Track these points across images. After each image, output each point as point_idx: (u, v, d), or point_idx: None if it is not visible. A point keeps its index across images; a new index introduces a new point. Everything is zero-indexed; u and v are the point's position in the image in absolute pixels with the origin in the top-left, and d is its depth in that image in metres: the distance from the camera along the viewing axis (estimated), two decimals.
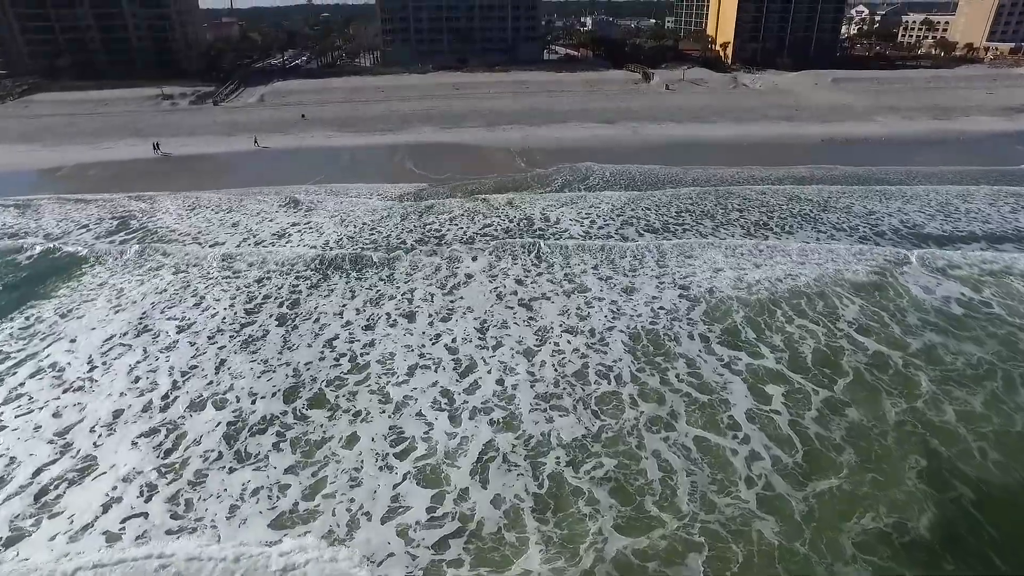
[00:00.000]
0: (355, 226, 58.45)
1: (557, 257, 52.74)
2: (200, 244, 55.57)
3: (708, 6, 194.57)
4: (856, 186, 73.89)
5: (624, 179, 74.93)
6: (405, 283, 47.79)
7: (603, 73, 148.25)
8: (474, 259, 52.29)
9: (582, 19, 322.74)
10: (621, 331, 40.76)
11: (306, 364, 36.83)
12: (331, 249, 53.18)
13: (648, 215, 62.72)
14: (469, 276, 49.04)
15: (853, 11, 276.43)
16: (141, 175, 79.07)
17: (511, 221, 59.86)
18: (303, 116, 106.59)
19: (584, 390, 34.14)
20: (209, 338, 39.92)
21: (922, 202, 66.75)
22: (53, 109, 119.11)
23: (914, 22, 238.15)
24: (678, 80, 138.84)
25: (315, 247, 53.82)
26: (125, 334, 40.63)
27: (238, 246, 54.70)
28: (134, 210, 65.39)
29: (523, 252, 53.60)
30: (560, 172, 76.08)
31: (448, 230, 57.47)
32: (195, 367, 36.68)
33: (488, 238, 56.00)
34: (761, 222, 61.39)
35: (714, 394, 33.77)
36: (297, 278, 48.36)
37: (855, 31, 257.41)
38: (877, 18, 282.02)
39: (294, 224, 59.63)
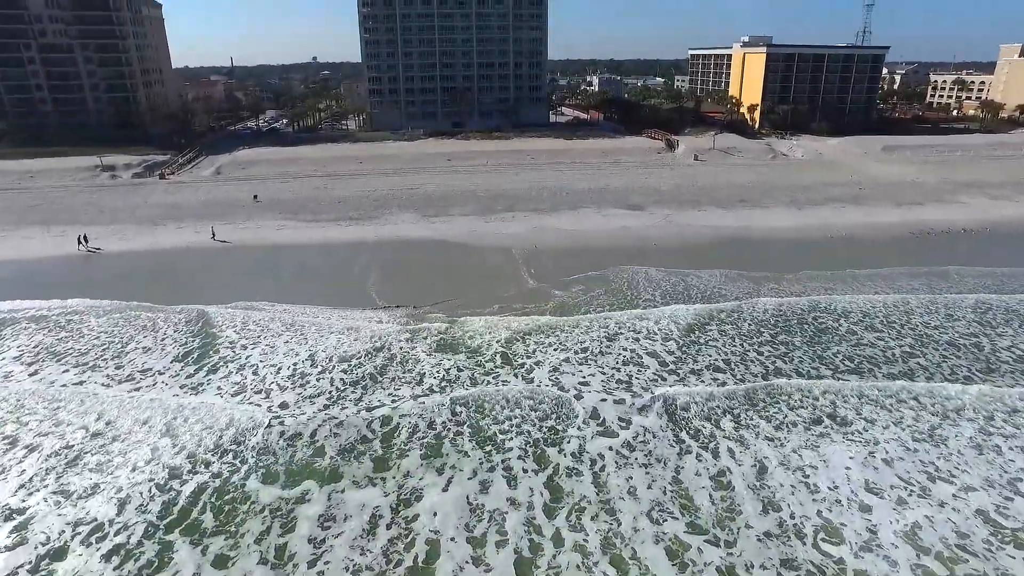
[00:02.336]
0: (257, 411, 36.54)
1: (586, 485, 30.96)
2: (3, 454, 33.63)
3: (730, 65, 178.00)
4: (992, 296, 53.50)
5: (671, 296, 53.71)
6: (309, 567, 25.64)
7: (619, 140, 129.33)
8: (444, 490, 30.29)
9: (588, 78, 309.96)
10: None
11: None
12: (199, 469, 31.16)
13: (718, 377, 40.97)
14: (432, 547, 26.87)
15: None
16: (17, 286, 57.75)
17: (507, 398, 37.95)
18: (255, 198, 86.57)
19: None
20: None
21: None
22: None
23: (944, 82, 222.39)
24: (707, 149, 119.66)
25: (179, 462, 31.80)
26: None
27: (54, 457, 32.71)
28: None
29: (526, 471, 31.73)
30: (579, 293, 54.71)
31: (403, 420, 35.47)
32: None
33: (468, 437, 34.06)
34: (890, 391, 39.37)
35: None
36: (109, 557, 26.17)
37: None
38: (897, 77, 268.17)
39: (168, 409, 37.64)
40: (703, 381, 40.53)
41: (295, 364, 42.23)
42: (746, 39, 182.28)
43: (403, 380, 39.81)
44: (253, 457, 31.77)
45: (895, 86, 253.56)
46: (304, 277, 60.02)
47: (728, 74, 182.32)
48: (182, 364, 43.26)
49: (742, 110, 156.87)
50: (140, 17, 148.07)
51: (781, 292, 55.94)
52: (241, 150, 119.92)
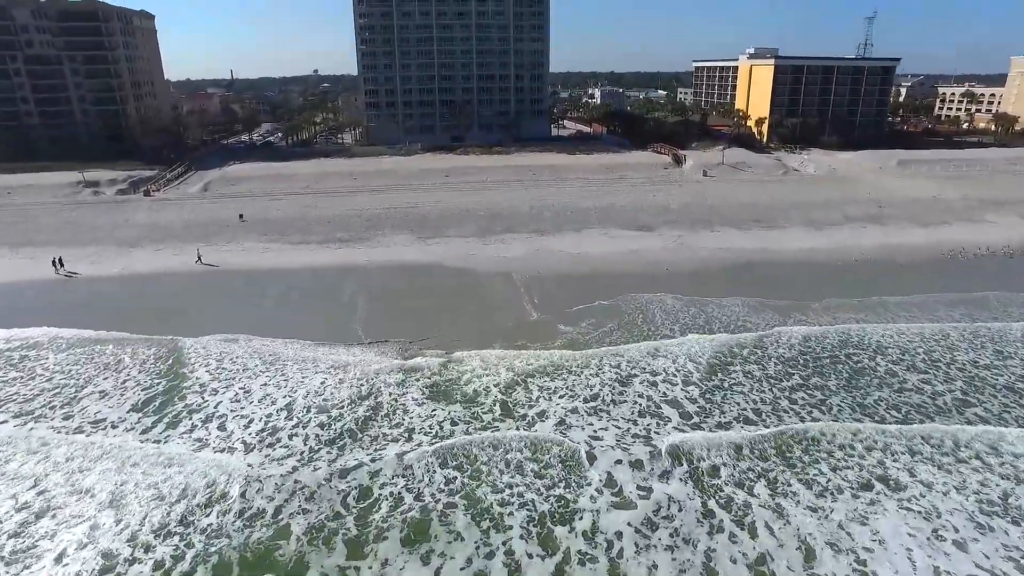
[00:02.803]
0: (219, 478, 31.42)
1: (602, 575, 25.78)
2: None
3: (736, 77, 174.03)
4: None
5: (689, 330, 48.61)
6: None
7: (624, 155, 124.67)
8: None
9: (590, 91, 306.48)
10: None
11: None
12: (139, 557, 26.07)
13: (748, 430, 35.81)
14: None
15: None
16: None
17: (508, 461, 32.86)
18: (241, 217, 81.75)
19: None
20: None
21: None
22: None
23: (953, 95, 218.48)
24: (716, 164, 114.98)
25: (117, 546, 26.72)
26: None
27: None
28: None
29: (531, 557, 26.81)
30: (588, 328, 49.61)
31: (384, 491, 30.36)
32: None
33: (462, 511, 28.96)
34: (945, 448, 34.20)
35: None
36: None
37: None
38: (902, 90, 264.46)
39: (115, 473, 32.55)
40: (731, 437, 35.40)
41: (268, 416, 37.20)
42: (751, 51, 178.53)
43: (388, 437, 34.73)
44: (202, 541, 26.66)
45: (900, 99, 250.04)
46: (288, 306, 55.10)
47: (734, 86, 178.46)
48: (141, 414, 38.27)
49: (749, 123, 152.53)
50: (131, 28, 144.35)
51: (807, 323, 51.01)
52: (231, 165, 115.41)
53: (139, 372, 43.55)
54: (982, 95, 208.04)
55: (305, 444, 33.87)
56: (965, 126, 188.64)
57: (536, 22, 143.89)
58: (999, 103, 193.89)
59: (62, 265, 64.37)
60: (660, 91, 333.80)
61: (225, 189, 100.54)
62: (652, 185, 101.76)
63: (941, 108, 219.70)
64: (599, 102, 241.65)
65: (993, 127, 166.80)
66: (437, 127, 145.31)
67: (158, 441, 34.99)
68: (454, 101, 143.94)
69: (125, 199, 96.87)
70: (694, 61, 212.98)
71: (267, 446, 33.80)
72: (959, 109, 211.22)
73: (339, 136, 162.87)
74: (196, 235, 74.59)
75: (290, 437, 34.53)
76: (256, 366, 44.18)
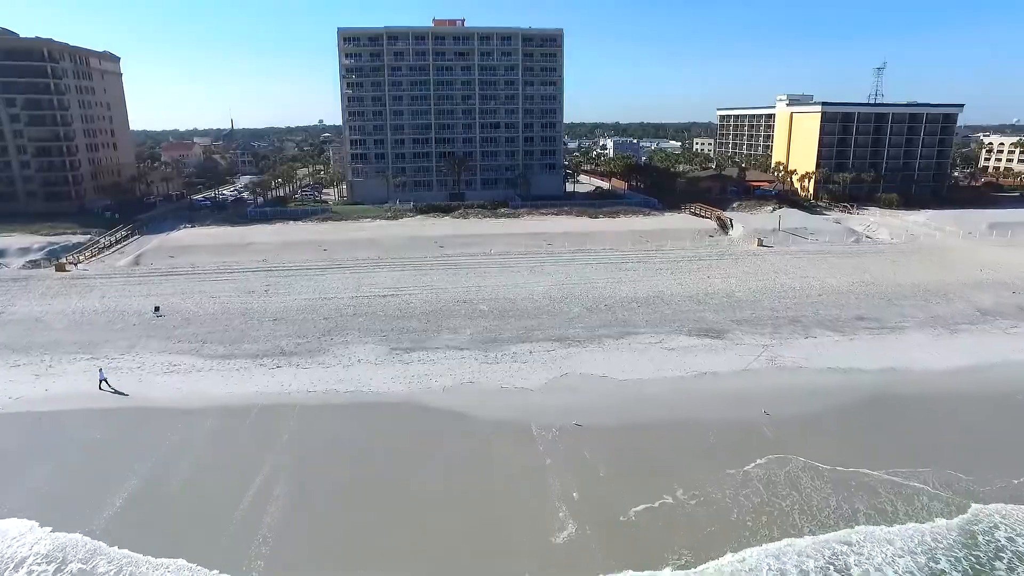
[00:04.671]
0: None
1: None
2: None
3: (771, 127, 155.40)
4: None
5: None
6: None
7: (656, 218, 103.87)
8: None
9: (601, 142, 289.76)
10: None
11: None
12: None
13: None
14: None
15: None
16: None
17: None
18: (156, 310, 60.49)
19: None
20: None
21: None
22: None
23: (1002, 144, 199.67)
24: (771, 230, 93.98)
25: None
26: None
27: None
28: None
29: None
30: (674, 560, 27.35)
31: None
32: None
33: None
34: None
35: None
36: None
37: None
38: None
39: None
40: None
41: None
42: (784, 97, 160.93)
43: None
44: None
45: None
46: (171, 483, 33.54)
47: (767, 136, 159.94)
48: None
49: (793, 179, 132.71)
50: (87, 70, 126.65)
51: None
52: (180, 230, 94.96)
53: None
54: None
55: None
56: None
57: (548, 63, 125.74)
58: None
59: None
60: (672, 141, 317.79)
61: (160, 263, 79.67)
62: (700, 260, 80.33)
63: (988, 159, 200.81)
64: (612, 153, 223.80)
65: None
66: (433, 183, 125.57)
67: None
68: (453, 153, 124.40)
69: (28, 275, 75.96)
70: (718, 109, 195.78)
71: None
72: (1010, 159, 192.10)
73: (324, 192, 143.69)
74: (81, 340, 53.28)
75: None
76: None
